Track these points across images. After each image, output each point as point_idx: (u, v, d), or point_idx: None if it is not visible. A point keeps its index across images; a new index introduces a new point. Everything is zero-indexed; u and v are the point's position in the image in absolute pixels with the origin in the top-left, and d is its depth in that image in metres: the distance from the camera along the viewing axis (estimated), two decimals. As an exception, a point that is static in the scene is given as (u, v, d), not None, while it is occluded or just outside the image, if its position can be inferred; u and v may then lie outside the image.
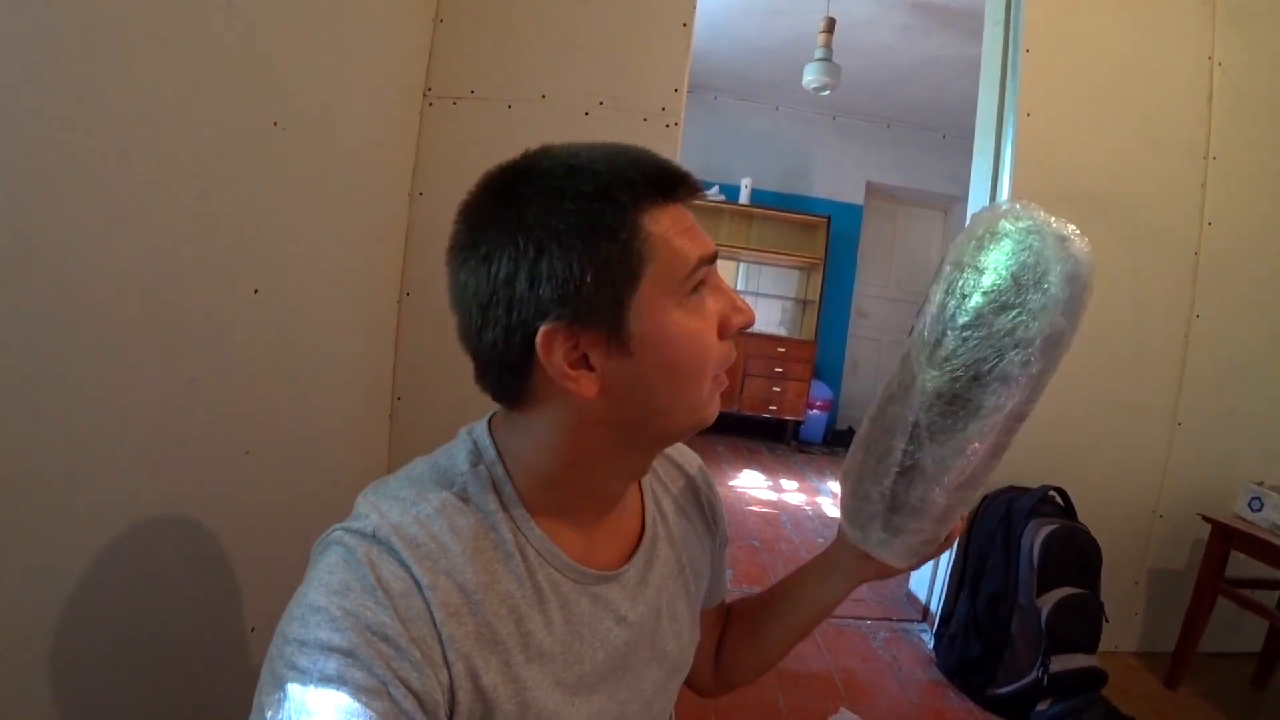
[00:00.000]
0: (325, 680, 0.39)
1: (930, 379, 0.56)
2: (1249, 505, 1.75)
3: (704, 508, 0.71)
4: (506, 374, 0.49)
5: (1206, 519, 1.82)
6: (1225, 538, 1.77)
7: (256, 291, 1.09)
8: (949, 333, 0.55)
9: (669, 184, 0.49)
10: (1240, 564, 1.78)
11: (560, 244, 0.45)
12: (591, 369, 0.47)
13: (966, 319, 0.54)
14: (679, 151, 1.78)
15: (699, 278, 0.49)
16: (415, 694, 0.41)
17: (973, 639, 1.75)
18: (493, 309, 0.47)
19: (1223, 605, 1.80)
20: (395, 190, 1.64)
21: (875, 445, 0.61)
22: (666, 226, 0.48)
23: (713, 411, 0.53)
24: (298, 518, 1.23)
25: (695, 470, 0.72)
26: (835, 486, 3.76)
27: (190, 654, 1.02)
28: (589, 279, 0.45)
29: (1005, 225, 0.55)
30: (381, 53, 1.47)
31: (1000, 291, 0.53)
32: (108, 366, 0.82)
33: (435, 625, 0.44)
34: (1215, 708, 1.77)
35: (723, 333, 0.51)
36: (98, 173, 0.78)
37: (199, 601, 1.03)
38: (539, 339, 0.45)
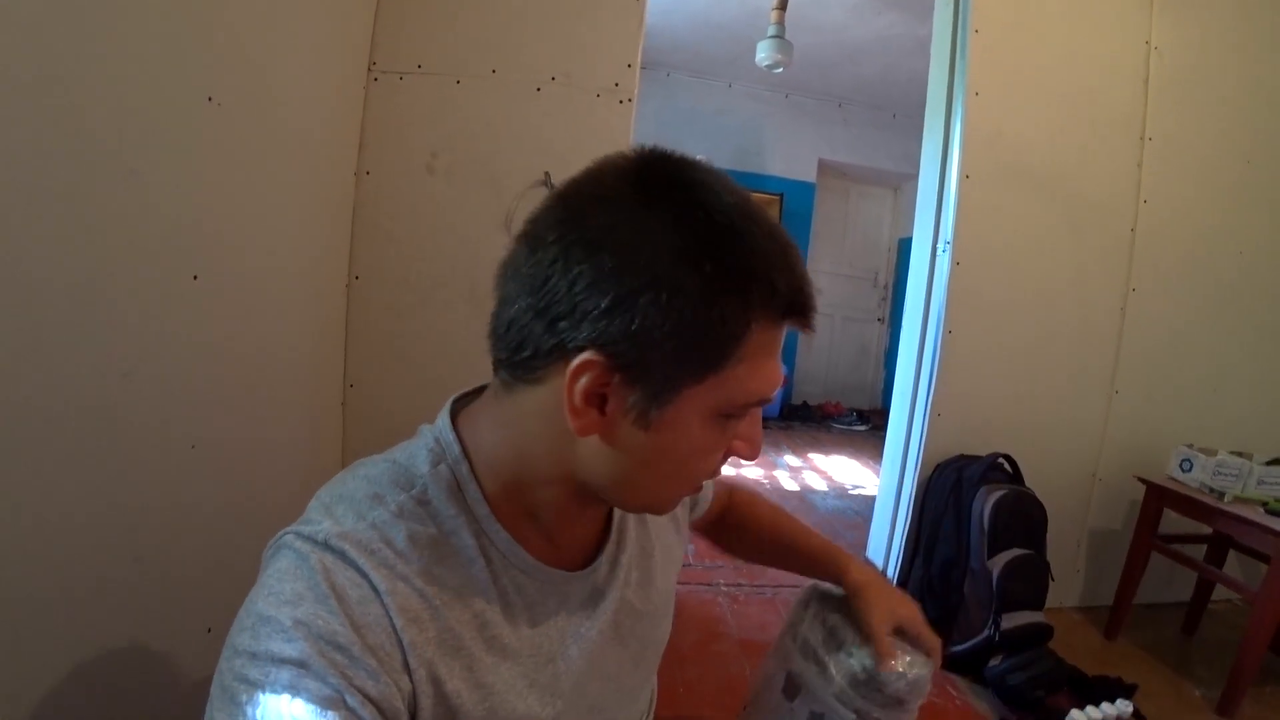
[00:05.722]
0: (278, 693, 0.37)
1: None
2: (1180, 467, 1.85)
3: None
4: (522, 355, 0.44)
5: (1142, 481, 1.92)
6: (1159, 497, 1.88)
7: (196, 278, 1.04)
8: None
9: (797, 308, 0.45)
10: (1172, 521, 1.89)
11: (669, 293, 0.39)
12: (603, 414, 0.43)
13: None
14: (632, 130, 1.75)
15: (742, 410, 0.46)
16: (373, 701, 0.40)
17: (928, 602, 1.82)
18: (552, 297, 0.41)
19: (1156, 560, 1.91)
20: (340, 169, 1.58)
21: None
22: (763, 346, 0.44)
23: (670, 509, 0.53)
24: (250, 511, 1.19)
25: None
26: (790, 459, 3.84)
27: (143, 659, 0.97)
28: (668, 344, 0.40)
29: None
30: (322, 24, 1.40)
31: None
32: (32, 361, 0.77)
33: (395, 631, 0.42)
34: (1150, 655, 1.89)
35: (725, 454, 0.50)
36: (10, 149, 0.72)
37: (149, 604, 0.98)
38: (577, 359, 0.41)
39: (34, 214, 0.76)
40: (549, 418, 0.45)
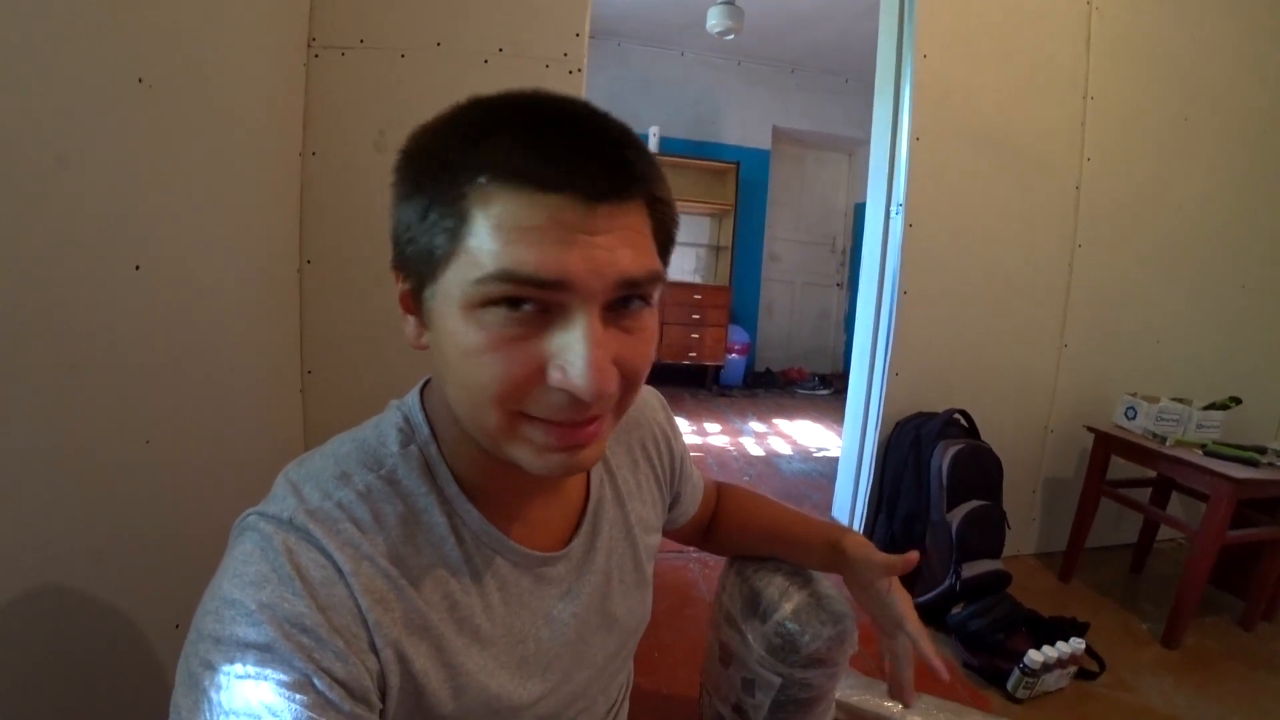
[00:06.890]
0: (244, 678, 0.37)
1: None
2: (1125, 415, 1.93)
3: (653, 460, 0.70)
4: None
5: (1090, 430, 2.01)
6: (1106, 445, 1.96)
7: (138, 268, 1.00)
8: None
9: (535, 166, 0.37)
10: (1119, 467, 1.98)
11: (402, 186, 0.43)
12: (421, 323, 0.46)
13: None
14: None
15: (495, 293, 0.38)
16: (341, 683, 0.40)
17: (892, 557, 1.88)
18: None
19: (1105, 505, 2.00)
20: (285, 150, 1.52)
21: None
22: (503, 217, 0.37)
23: (520, 455, 0.43)
24: (211, 504, 1.16)
25: (650, 420, 0.70)
26: (756, 425, 3.90)
27: (108, 659, 0.96)
28: (405, 234, 0.43)
29: None
30: (255, -2, 1.34)
31: None
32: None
33: (361, 611, 0.43)
34: (1101, 595, 1.99)
35: (540, 375, 0.40)
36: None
37: (111, 603, 0.96)
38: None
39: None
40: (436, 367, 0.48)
